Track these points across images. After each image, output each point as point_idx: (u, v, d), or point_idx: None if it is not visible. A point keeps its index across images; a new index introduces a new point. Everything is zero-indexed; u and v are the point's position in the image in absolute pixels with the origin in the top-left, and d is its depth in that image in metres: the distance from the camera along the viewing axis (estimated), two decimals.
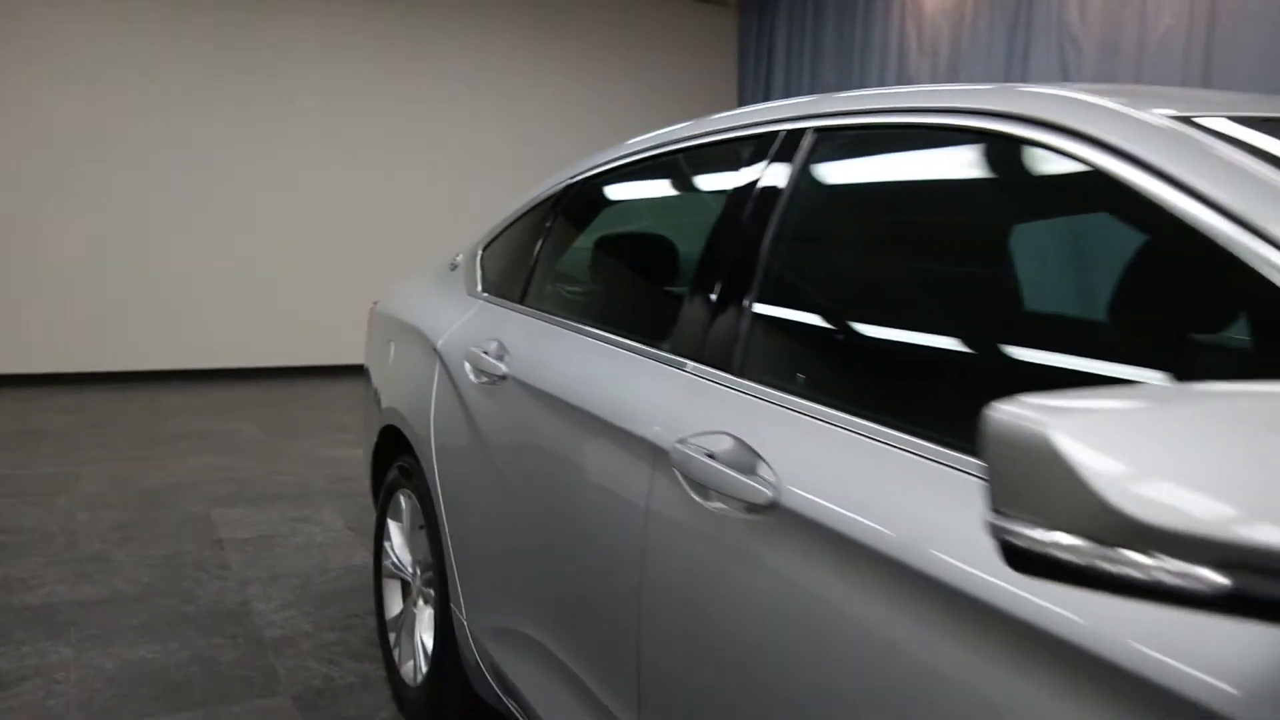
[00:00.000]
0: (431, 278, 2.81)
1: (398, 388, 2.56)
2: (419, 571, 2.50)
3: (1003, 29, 6.96)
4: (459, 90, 8.06)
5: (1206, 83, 5.69)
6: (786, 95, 9.18)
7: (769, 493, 1.17)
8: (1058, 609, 0.84)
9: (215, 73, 7.25)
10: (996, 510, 0.65)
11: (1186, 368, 0.92)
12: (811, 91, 8.82)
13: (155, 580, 3.39)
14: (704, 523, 1.27)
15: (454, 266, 2.69)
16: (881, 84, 8.08)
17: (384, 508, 2.69)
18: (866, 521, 1.04)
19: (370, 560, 3.62)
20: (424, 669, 2.40)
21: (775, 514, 1.16)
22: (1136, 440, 0.60)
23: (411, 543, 2.54)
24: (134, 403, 6.55)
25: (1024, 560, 0.64)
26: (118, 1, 6.93)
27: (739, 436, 1.26)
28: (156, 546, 3.74)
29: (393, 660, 2.60)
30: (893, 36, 7.86)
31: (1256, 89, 5.40)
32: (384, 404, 2.67)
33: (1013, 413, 0.64)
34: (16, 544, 3.71)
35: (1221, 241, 0.88)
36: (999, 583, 0.89)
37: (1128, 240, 1.01)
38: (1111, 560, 0.60)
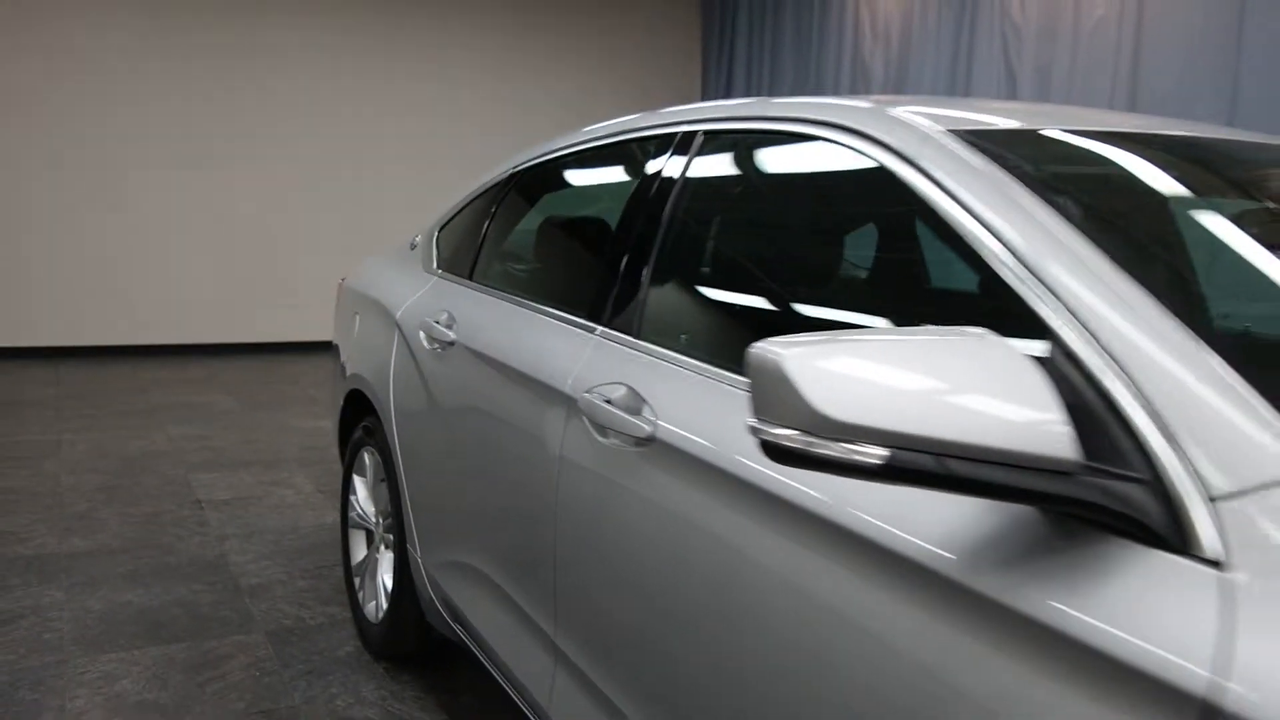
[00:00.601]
0: (393, 256, 3.08)
1: (362, 355, 2.84)
2: (381, 520, 2.78)
3: (950, 16, 7.26)
4: (432, 80, 8.26)
5: (1135, 68, 6.02)
6: (748, 82, 9.49)
7: (649, 428, 1.46)
8: (824, 497, 1.13)
9: (201, 58, 7.42)
10: (756, 417, 0.94)
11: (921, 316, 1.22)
12: (772, 78, 9.14)
13: (138, 535, 3.66)
14: (602, 454, 1.56)
15: (414, 246, 2.96)
16: (838, 69, 8.39)
17: (350, 465, 2.97)
18: (710, 444, 1.33)
19: (339, 518, 3.89)
20: (384, 607, 2.69)
21: (653, 445, 1.45)
22: (835, 365, 0.89)
23: (374, 495, 2.82)
24: (112, 376, 6.76)
25: (773, 451, 0.93)
26: None
27: (631, 385, 1.55)
28: (138, 506, 4.00)
29: (357, 602, 2.89)
30: (848, 24, 8.15)
31: (1181, 74, 5.75)
32: (349, 370, 2.94)
33: (762, 347, 0.92)
34: (6, 502, 3.96)
35: (965, 233, 1.17)
36: (778, 476, 1.19)
37: (898, 221, 1.30)
38: (822, 446, 0.89)
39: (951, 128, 1.30)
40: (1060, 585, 0.89)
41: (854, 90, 8.28)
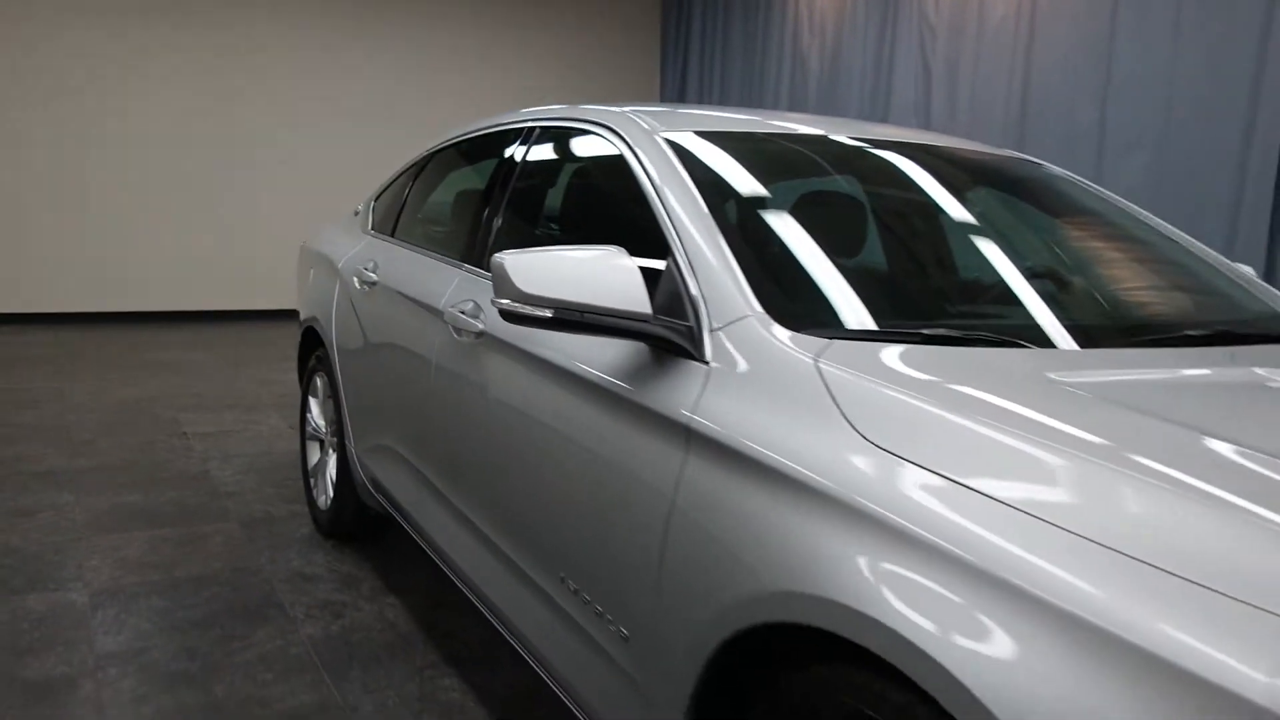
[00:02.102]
0: (342, 222, 3.80)
1: (313, 299, 3.57)
2: (328, 429, 3.52)
3: (875, 15, 7.99)
4: (403, 70, 8.95)
5: (1029, 62, 6.76)
6: (700, 75, 10.24)
7: (482, 326, 2.20)
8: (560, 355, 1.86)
9: (197, 37, 8.09)
10: (495, 296, 1.67)
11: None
12: (723, 72, 9.88)
13: (135, 457, 4.39)
14: (456, 348, 2.30)
15: (356, 213, 3.68)
16: (779, 62, 9.13)
17: (306, 388, 3.71)
18: (507, 330, 2.07)
19: None
20: (330, 496, 3.43)
21: (484, 337, 2.19)
22: (530, 264, 1.62)
23: (323, 409, 3.56)
24: (108, 338, 7.46)
25: (504, 315, 1.66)
26: None
27: (476, 300, 2.29)
28: (134, 436, 4.73)
29: (312, 496, 3.63)
30: (789, 23, 8.88)
31: (1064, 69, 6.50)
32: (304, 314, 3.67)
33: (498, 255, 1.66)
34: (21, 434, 4.68)
35: (666, 209, 1.90)
36: (537, 341, 1.92)
37: (623, 186, 2.03)
38: (521, 309, 1.63)
39: (663, 129, 2.03)
40: (649, 381, 1.63)
41: (792, 79, 9.01)
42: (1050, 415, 1.21)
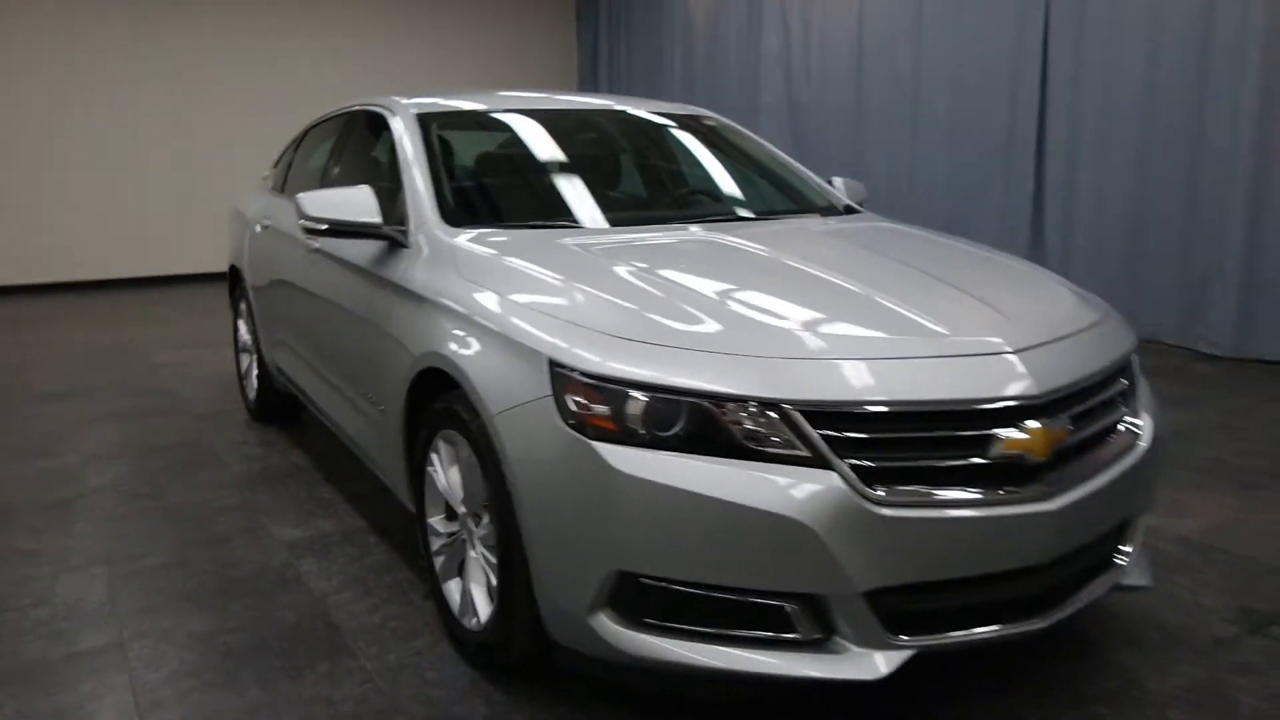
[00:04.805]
0: (256, 185, 4.99)
1: (235, 245, 4.77)
2: (251, 341, 4.73)
3: None
4: (330, 57, 10.03)
5: (862, 15, 7.88)
6: (611, 51, 11.40)
7: (317, 244, 3.40)
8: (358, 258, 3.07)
9: (133, 7, 9.15)
10: (297, 218, 2.88)
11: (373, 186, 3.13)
12: (628, 44, 11.01)
13: (116, 381, 5.60)
14: (306, 258, 3.51)
15: (265, 177, 4.87)
16: (671, 26, 10.24)
17: (235, 311, 4.92)
18: (329, 244, 3.27)
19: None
20: (256, 389, 4.65)
21: (319, 252, 3.39)
22: (317, 199, 2.83)
23: (247, 326, 4.77)
24: (83, 303, 8.64)
25: (303, 229, 2.88)
26: None
27: None
28: (115, 369, 5.94)
29: (245, 394, 4.87)
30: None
31: (887, 17, 7.62)
32: (230, 257, 4.87)
33: (298, 194, 2.86)
34: (24, 367, 5.89)
35: (401, 159, 3.08)
36: (343, 249, 3.13)
37: (393, 147, 3.22)
38: (310, 224, 2.84)
39: (416, 108, 3.22)
40: (384, 264, 2.84)
41: (685, 41, 10.12)
42: (550, 259, 2.44)
